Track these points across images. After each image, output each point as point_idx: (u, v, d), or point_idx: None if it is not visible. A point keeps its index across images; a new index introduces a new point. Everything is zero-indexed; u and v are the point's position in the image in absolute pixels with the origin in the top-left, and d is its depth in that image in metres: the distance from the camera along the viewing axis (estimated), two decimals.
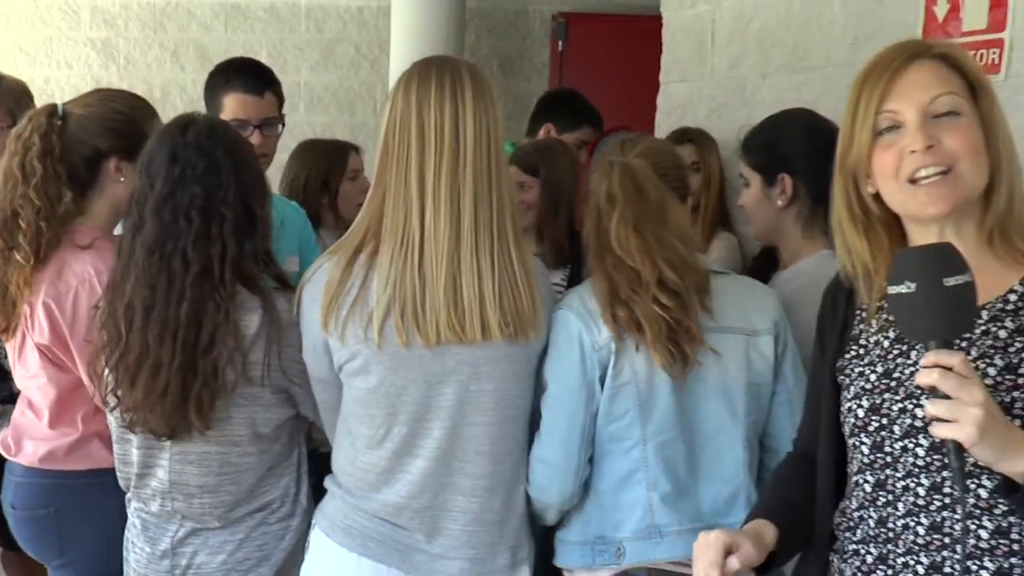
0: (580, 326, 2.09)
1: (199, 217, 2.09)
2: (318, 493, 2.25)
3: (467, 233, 1.99)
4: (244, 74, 2.94)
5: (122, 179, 2.40)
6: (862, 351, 1.73)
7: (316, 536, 2.15)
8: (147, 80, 6.33)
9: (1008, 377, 1.53)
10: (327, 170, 3.68)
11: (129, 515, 2.33)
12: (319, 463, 2.33)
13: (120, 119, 2.45)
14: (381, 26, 6.27)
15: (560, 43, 6.47)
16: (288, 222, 2.95)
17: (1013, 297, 1.58)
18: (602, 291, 2.11)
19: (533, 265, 2.10)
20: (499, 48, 6.68)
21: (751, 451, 2.16)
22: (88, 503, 2.43)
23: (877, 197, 1.66)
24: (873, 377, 1.68)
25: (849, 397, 1.70)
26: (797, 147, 2.47)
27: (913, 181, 1.58)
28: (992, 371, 1.53)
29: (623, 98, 5.32)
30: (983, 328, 1.57)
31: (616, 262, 2.09)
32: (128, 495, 2.32)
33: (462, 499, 2.07)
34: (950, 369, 1.37)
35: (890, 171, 1.60)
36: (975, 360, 1.54)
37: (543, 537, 2.34)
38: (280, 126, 2.98)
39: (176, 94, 6.32)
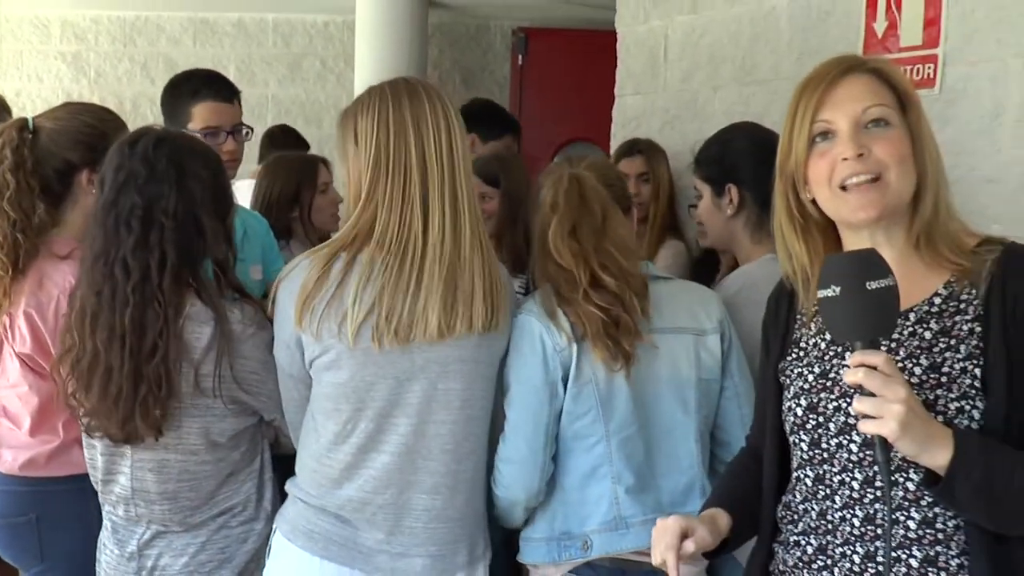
0: (541, 328, 2.12)
1: (139, 225, 2.08)
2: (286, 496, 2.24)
3: (466, 241, 2.04)
4: (213, 83, 2.94)
5: (94, 191, 2.37)
6: (801, 353, 1.76)
7: (278, 540, 2.14)
8: (117, 93, 6.30)
9: (932, 376, 1.55)
10: (298, 184, 3.66)
11: (104, 517, 2.32)
12: (288, 467, 2.30)
13: (90, 132, 2.44)
14: (346, 41, 6.26)
15: (520, 57, 6.48)
16: (251, 232, 2.96)
17: (938, 300, 1.61)
18: (546, 294, 2.17)
19: (500, 272, 2.14)
20: (461, 62, 6.69)
21: (703, 444, 2.20)
22: (69, 509, 2.41)
23: (814, 203, 1.68)
24: (811, 377, 1.70)
25: (789, 397, 1.73)
26: (743, 158, 2.51)
27: (844, 187, 1.60)
28: (918, 370, 1.56)
29: (581, 110, 5.38)
30: (910, 330, 1.60)
31: (555, 267, 2.15)
32: (100, 498, 2.31)
33: (425, 497, 2.07)
34: (875, 368, 1.40)
35: (823, 178, 1.62)
36: (903, 360, 1.57)
37: (508, 534, 2.36)
38: (249, 131, 2.99)
39: (147, 107, 6.25)
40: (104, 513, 2.31)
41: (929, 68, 2.77)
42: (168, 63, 6.32)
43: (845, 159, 1.59)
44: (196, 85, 2.91)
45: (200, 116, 2.85)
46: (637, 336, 2.13)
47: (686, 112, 3.58)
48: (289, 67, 6.47)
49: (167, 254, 2.09)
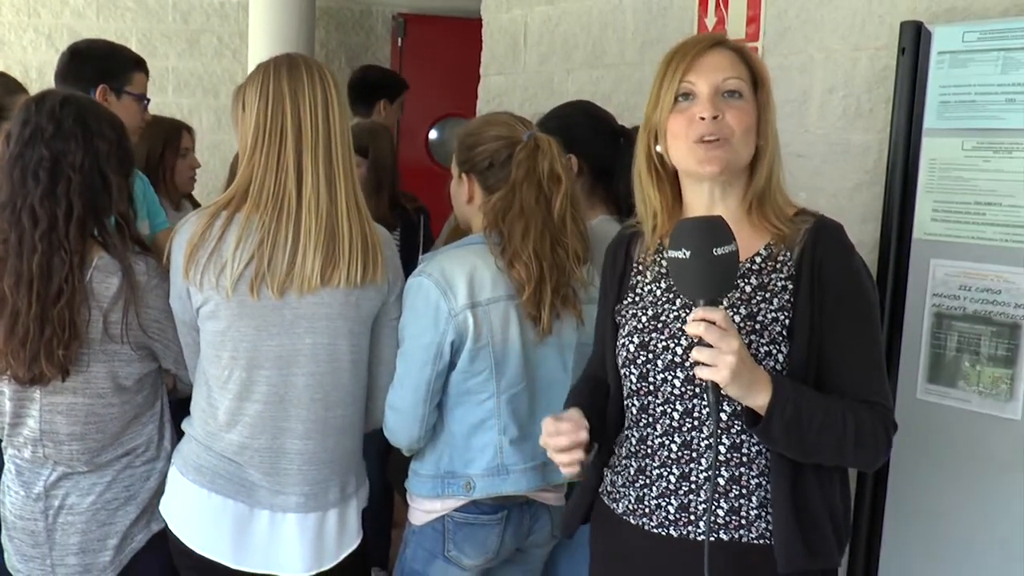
0: (438, 293, 2.04)
1: (46, 177, 1.99)
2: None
3: (341, 200, 2.00)
4: (142, 61, 3.02)
5: None
6: (637, 298, 1.78)
7: (172, 474, 2.11)
8: (23, 62, 5.96)
9: (749, 323, 1.60)
10: (163, 147, 3.58)
11: (5, 461, 2.21)
12: (186, 410, 2.26)
13: None
14: (241, 20, 6.05)
15: (400, 40, 6.40)
16: (137, 189, 2.89)
17: (759, 259, 1.66)
18: (464, 254, 2.11)
19: (377, 233, 2.09)
20: (346, 43, 6.56)
21: None
22: None
23: (665, 156, 1.71)
24: (644, 319, 1.73)
25: (624, 335, 1.75)
26: (581, 131, 2.49)
27: (697, 143, 1.63)
28: (737, 318, 1.61)
29: (452, 88, 5.37)
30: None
31: (517, 214, 2.09)
32: (3, 443, 2.20)
33: (298, 442, 2.04)
34: (713, 323, 1.43)
35: (681, 131, 1.65)
36: (727, 308, 1.61)
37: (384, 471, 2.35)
38: (147, 101, 3.04)
39: (51, 74, 5.95)
40: (7, 456, 2.19)
41: None
42: (72, 35, 5.99)
43: (702, 118, 1.62)
44: (134, 57, 3.01)
45: (138, 83, 2.96)
46: (572, 307, 2.13)
47: (543, 91, 3.58)
48: (188, 42, 6.23)
49: (73, 205, 2.00)
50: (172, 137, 3.64)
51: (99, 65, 2.90)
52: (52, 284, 1.98)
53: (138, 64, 2.98)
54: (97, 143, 2.05)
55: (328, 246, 1.98)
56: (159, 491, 2.16)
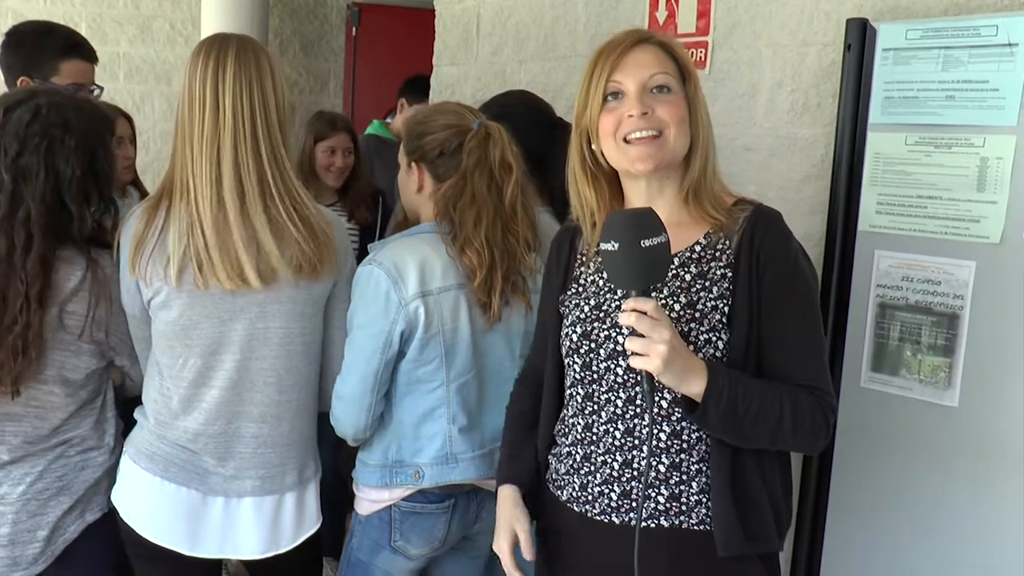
0: (388, 282, 2.02)
1: (6, 203, 1.93)
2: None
3: (274, 185, 1.97)
4: (81, 44, 2.81)
5: None
6: (580, 288, 1.79)
7: (124, 462, 2.08)
8: None
9: (688, 311, 1.61)
10: None
11: None
12: (135, 405, 2.20)
13: None
14: (193, 6, 5.95)
15: (354, 29, 6.36)
16: None
17: (698, 248, 1.66)
18: (415, 242, 2.09)
19: (322, 216, 2.06)
20: (300, 31, 6.49)
21: None
22: None
23: (603, 154, 1.71)
24: (587, 309, 1.74)
25: (567, 325, 1.76)
26: (517, 121, 2.42)
27: (628, 141, 1.64)
28: (677, 307, 1.62)
29: (405, 78, 5.33)
30: (674, 272, 1.65)
31: (469, 201, 2.08)
32: None
33: (253, 425, 2.04)
34: (645, 313, 1.44)
35: (611, 131, 1.65)
36: (666, 298, 1.63)
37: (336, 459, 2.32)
38: (100, 90, 2.86)
39: None
40: None
41: (701, 52, 2.86)
42: (17, 18, 5.88)
43: (631, 116, 1.62)
44: (64, 43, 2.77)
45: (68, 73, 2.73)
46: (522, 294, 2.13)
47: (495, 82, 3.57)
48: (140, 28, 6.12)
49: (33, 236, 1.92)
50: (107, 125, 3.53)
51: (24, 53, 2.75)
52: (6, 314, 1.91)
53: (72, 50, 2.77)
54: (60, 167, 1.97)
55: (273, 232, 1.96)
56: (96, 482, 2.11)
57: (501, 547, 1.79)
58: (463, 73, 3.75)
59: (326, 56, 6.55)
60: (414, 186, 2.19)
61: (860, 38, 2.31)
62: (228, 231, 1.94)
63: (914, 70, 2.22)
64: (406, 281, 2.02)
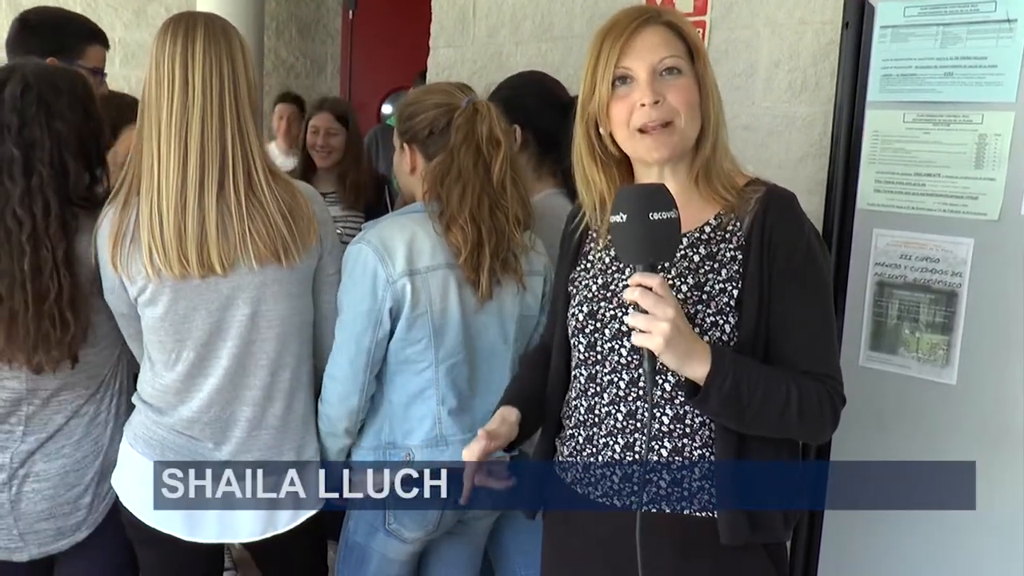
0: (376, 260, 2.01)
1: (22, 176, 1.92)
2: None
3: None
4: (102, 32, 2.89)
5: None
6: (588, 266, 1.77)
7: (123, 446, 2.07)
8: None
9: (696, 293, 1.58)
10: (123, 125, 3.51)
11: None
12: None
13: None
14: None
15: (351, 12, 6.33)
16: None
17: (708, 229, 1.63)
18: (405, 221, 2.08)
19: (297, 191, 2.02)
20: (297, 14, 6.47)
21: (513, 369, 2.17)
22: None
23: (613, 139, 1.67)
24: (594, 287, 1.71)
25: (574, 304, 1.74)
26: (528, 102, 2.45)
27: (641, 130, 1.60)
28: (684, 288, 1.59)
29: (403, 61, 5.31)
30: (682, 252, 1.62)
31: (456, 178, 2.05)
32: None
33: (247, 408, 2.03)
34: (650, 289, 1.42)
35: (623, 120, 1.61)
36: (674, 278, 1.60)
37: None
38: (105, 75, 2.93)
39: None
40: None
41: (699, 31, 2.83)
42: (12, 3, 5.87)
43: (643, 105, 1.58)
44: (88, 29, 2.86)
45: (93, 56, 2.80)
46: (514, 272, 2.10)
47: (492, 63, 3.54)
48: (135, 12, 6.09)
49: (49, 200, 1.93)
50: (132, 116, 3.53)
51: (49, 37, 2.78)
52: (41, 284, 1.92)
53: (94, 36, 2.84)
54: (59, 128, 1.97)
55: (242, 215, 1.93)
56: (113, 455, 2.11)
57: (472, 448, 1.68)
58: (459, 55, 3.72)
59: (323, 39, 6.53)
60: (407, 167, 2.18)
61: (858, 16, 2.29)
62: (196, 216, 1.90)
63: (912, 47, 2.20)
64: (394, 259, 2.01)
